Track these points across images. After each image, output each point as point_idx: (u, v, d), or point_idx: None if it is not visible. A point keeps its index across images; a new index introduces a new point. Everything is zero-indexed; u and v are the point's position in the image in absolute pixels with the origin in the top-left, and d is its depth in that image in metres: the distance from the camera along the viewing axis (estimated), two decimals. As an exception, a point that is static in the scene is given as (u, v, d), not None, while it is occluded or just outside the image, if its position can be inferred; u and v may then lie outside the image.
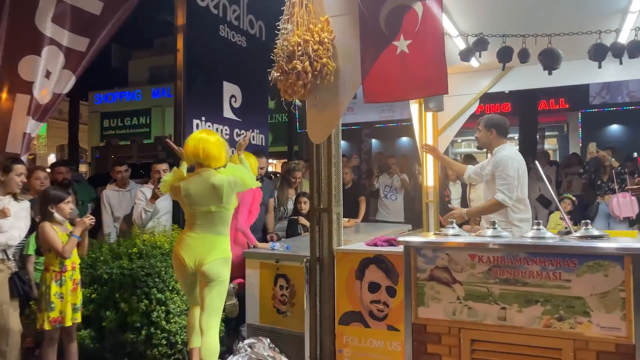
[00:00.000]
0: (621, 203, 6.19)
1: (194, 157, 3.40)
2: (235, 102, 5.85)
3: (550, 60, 4.07)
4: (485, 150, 4.62)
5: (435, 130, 6.10)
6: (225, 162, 3.50)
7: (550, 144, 25.91)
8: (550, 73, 4.19)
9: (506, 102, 23.99)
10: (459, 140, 27.18)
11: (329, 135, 3.58)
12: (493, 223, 3.19)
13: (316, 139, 3.57)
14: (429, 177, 6.08)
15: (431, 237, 3.32)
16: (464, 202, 6.26)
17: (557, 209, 9.09)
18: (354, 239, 4.37)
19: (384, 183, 7.49)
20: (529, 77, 5.74)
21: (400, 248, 3.21)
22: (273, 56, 3.48)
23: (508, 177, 3.88)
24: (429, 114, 6.08)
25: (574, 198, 6.46)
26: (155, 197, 4.84)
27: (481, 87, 5.89)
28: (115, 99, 24.66)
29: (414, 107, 6.02)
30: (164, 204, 5.02)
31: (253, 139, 6.07)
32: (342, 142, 3.91)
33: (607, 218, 6.54)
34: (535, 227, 3.03)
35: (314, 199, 3.62)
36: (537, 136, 17.55)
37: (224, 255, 3.44)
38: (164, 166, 5.05)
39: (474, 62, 5.54)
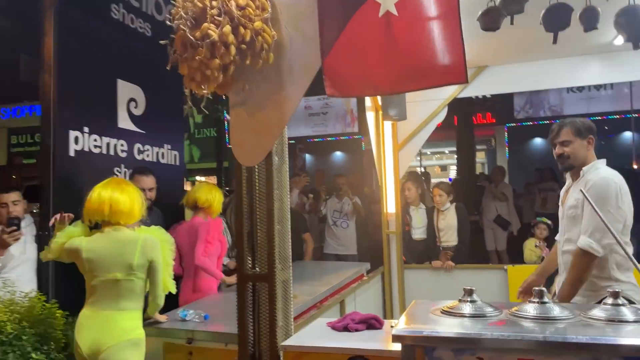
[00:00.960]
0: None
1: (98, 213, 2.67)
2: (135, 107, 4.27)
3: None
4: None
5: (395, 144, 4.84)
6: (140, 217, 2.78)
7: (479, 158, 25.99)
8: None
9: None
10: (429, 152, 26.57)
11: (267, 152, 2.15)
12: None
13: (246, 159, 2.15)
14: (389, 203, 4.81)
15: (450, 323, 1.91)
16: (430, 231, 5.04)
17: (518, 230, 8.24)
18: (299, 297, 2.97)
19: (332, 208, 6.11)
20: (504, 78, 4.66)
21: (393, 345, 1.84)
22: (170, 21, 2.02)
23: (608, 213, 2.41)
24: (388, 124, 4.83)
25: (549, 222, 5.41)
26: (4, 245, 3.19)
27: (450, 90, 4.72)
28: (25, 114, 21.74)
29: (370, 115, 4.74)
30: (22, 248, 3.37)
31: (163, 157, 4.51)
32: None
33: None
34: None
35: (244, 259, 2.16)
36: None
37: (130, 337, 2.61)
38: (13, 196, 3.41)
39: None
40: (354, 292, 4.04)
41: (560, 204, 2.84)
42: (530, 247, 5.46)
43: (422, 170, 22.99)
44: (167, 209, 4.02)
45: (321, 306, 3.32)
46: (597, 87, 23.23)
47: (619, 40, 3.79)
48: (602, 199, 2.41)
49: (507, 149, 24.73)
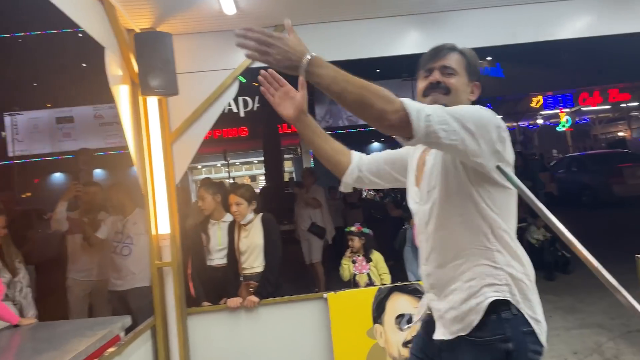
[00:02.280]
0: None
1: None
2: None
3: None
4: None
5: (166, 134, 3.24)
6: None
7: (287, 167, 25.75)
8: None
9: (243, 125, 22.80)
10: (199, 166, 24.62)
11: None
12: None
13: None
14: (161, 220, 3.18)
15: None
16: (231, 255, 3.53)
17: (333, 238, 7.28)
18: None
19: (113, 229, 4.13)
20: (305, 41, 3.44)
21: None
22: None
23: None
24: (152, 104, 3.21)
25: (353, 228, 4.40)
26: None
27: (239, 57, 3.32)
28: None
29: (122, 90, 3.05)
30: None
31: None
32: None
33: (416, 250, 4.73)
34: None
35: None
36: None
37: None
38: None
39: (228, 8, 2.96)
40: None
41: (413, 180, 1.65)
42: (346, 262, 4.38)
43: (232, 181, 21.71)
44: None
45: None
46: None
47: None
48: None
49: (312, 158, 25.05)
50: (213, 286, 3.60)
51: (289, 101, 1.62)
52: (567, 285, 5.75)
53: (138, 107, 3.14)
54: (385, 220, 7.87)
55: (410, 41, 3.55)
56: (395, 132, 1.30)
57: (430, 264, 1.53)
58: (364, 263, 4.35)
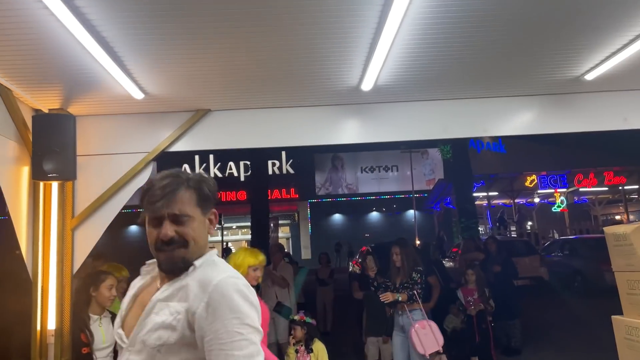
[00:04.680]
0: (421, 336, 3.93)
1: None
2: None
3: None
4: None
5: (68, 219, 2.98)
6: None
7: (283, 232, 25.32)
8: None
9: (242, 189, 22.70)
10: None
11: None
12: None
13: None
14: (51, 313, 2.85)
15: None
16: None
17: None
18: None
19: None
20: (230, 127, 3.27)
21: None
22: None
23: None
24: (54, 187, 2.98)
25: (296, 317, 4.05)
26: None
27: (157, 140, 3.13)
28: None
29: (16, 171, 2.83)
30: None
31: None
32: None
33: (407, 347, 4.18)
34: None
35: None
36: (272, 224, 16.07)
37: None
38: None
39: (135, 93, 2.79)
40: None
41: (119, 322, 1.27)
42: (291, 351, 4.01)
43: (225, 245, 21.22)
44: None
45: None
46: (386, 169, 24.93)
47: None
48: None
49: (309, 224, 24.71)
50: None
51: None
52: None
53: (37, 191, 2.91)
54: (351, 301, 7.41)
55: (344, 130, 3.35)
56: None
57: None
58: (305, 354, 4.02)
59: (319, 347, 4.04)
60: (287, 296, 6.68)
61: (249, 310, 1.17)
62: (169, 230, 1.18)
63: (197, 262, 1.22)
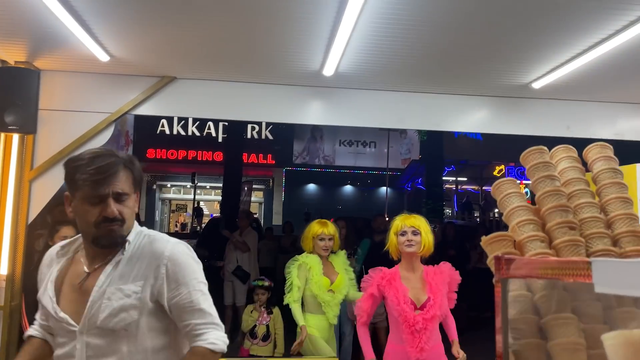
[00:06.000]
0: None
1: None
2: None
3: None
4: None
5: (26, 170, 3.05)
6: None
7: (257, 197, 25.42)
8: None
9: (219, 150, 22.60)
10: (168, 185, 24.16)
11: None
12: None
13: None
14: (2, 258, 2.95)
15: None
16: None
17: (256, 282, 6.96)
18: None
19: None
20: (195, 96, 3.35)
21: None
22: None
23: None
24: (15, 139, 3.04)
25: (266, 283, 4.24)
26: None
27: (121, 102, 3.19)
28: None
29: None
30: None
31: None
32: None
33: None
34: None
35: None
36: (246, 188, 16.12)
37: None
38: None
39: (100, 55, 2.83)
40: None
41: (55, 307, 1.31)
42: (247, 312, 4.24)
43: (197, 204, 21.26)
44: None
45: None
46: (364, 144, 25.00)
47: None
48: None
49: (283, 192, 24.84)
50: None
51: None
52: None
53: (-2, 141, 2.96)
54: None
55: (306, 111, 3.46)
56: None
57: None
58: (265, 314, 4.26)
59: (276, 311, 4.30)
60: (248, 261, 6.91)
61: (199, 268, 1.38)
62: (115, 207, 1.27)
63: (130, 237, 1.34)
